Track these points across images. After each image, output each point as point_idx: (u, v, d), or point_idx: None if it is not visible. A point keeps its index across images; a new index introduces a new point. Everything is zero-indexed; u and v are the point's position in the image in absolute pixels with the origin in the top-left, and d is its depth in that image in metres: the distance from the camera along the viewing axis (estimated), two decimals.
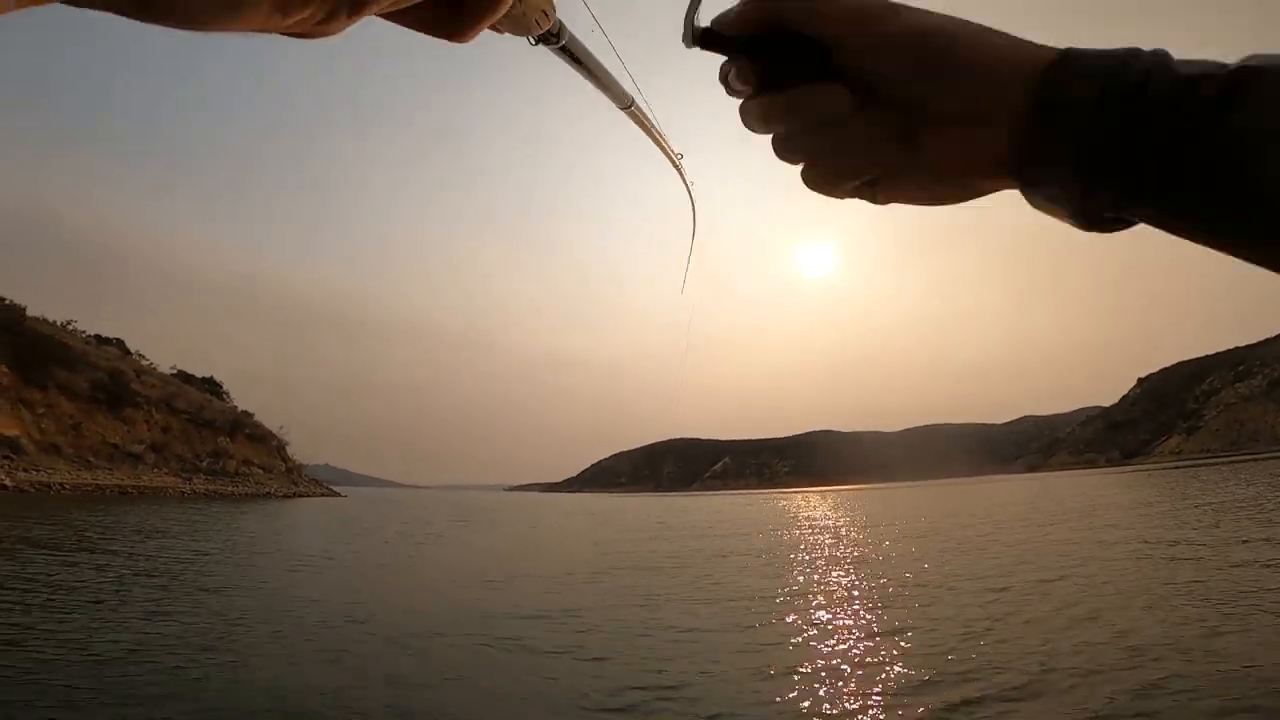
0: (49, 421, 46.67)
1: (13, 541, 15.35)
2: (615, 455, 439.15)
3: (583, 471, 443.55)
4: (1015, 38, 0.38)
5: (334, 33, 0.28)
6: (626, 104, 0.60)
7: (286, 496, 60.55)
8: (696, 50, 0.41)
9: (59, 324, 57.71)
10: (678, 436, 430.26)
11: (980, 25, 0.39)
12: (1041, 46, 0.38)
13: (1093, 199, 0.36)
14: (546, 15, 0.39)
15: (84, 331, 62.28)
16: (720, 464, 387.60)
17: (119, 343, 65.92)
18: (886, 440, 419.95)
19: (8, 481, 37.73)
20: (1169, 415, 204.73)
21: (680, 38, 0.40)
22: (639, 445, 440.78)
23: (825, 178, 0.42)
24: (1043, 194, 0.37)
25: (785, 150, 0.42)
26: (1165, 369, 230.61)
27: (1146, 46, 0.36)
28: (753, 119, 0.41)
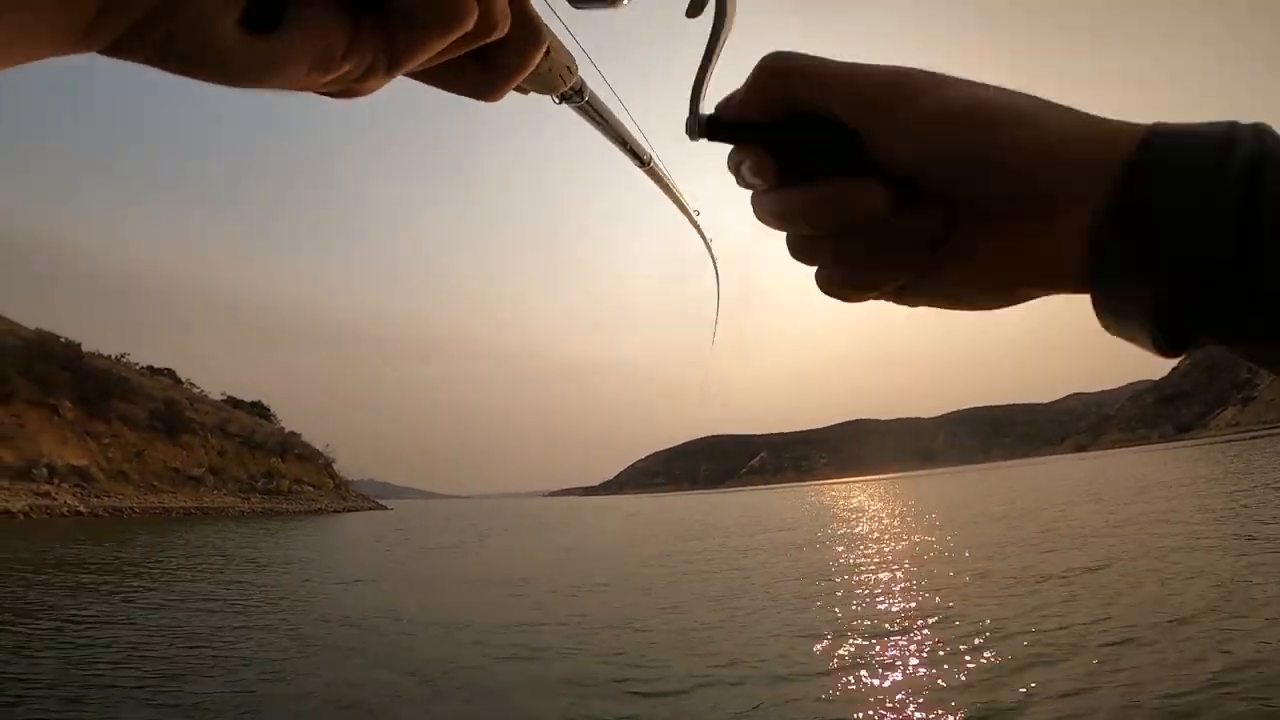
0: (114, 450, 49.09)
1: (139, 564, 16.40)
2: (650, 456, 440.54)
3: (620, 473, 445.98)
4: (1087, 115, 0.30)
5: (369, 92, 0.28)
6: (645, 161, 0.60)
7: (337, 511, 62.48)
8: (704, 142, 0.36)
9: (114, 358, 60.55)
10: (712, 434, 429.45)
11: (1044, 100, 0.31)
12: (1121, 125, 0.30)
13: (1180, 321, 0.28)
14: (570, 71, 0.39)
15: (137, 363, 65.26)
16: (756, 459, 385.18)
17: (170, 372, 68.80)
18: (926, 426, 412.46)
19: (82, 508, 39.93)
20: (1222, 386, 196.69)
21: (685, 131, 0.36)
22: (674, 445, 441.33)
23: (848, 284, 0.35)
24: (1118, 311, 0.30)
25: (802, 251, 0.35)
26: None
27: (1240, 118, 0.28)
28: (768, 214, 0.35)
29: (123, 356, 62.47)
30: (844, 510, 33.17)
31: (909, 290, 0.36)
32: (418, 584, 14.03)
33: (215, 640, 8.01)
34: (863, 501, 41.54)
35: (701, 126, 0.35)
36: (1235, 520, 12.92)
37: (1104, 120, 0.30)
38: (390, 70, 0.27)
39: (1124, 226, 0.28)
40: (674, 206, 0.74)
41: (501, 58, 0.30)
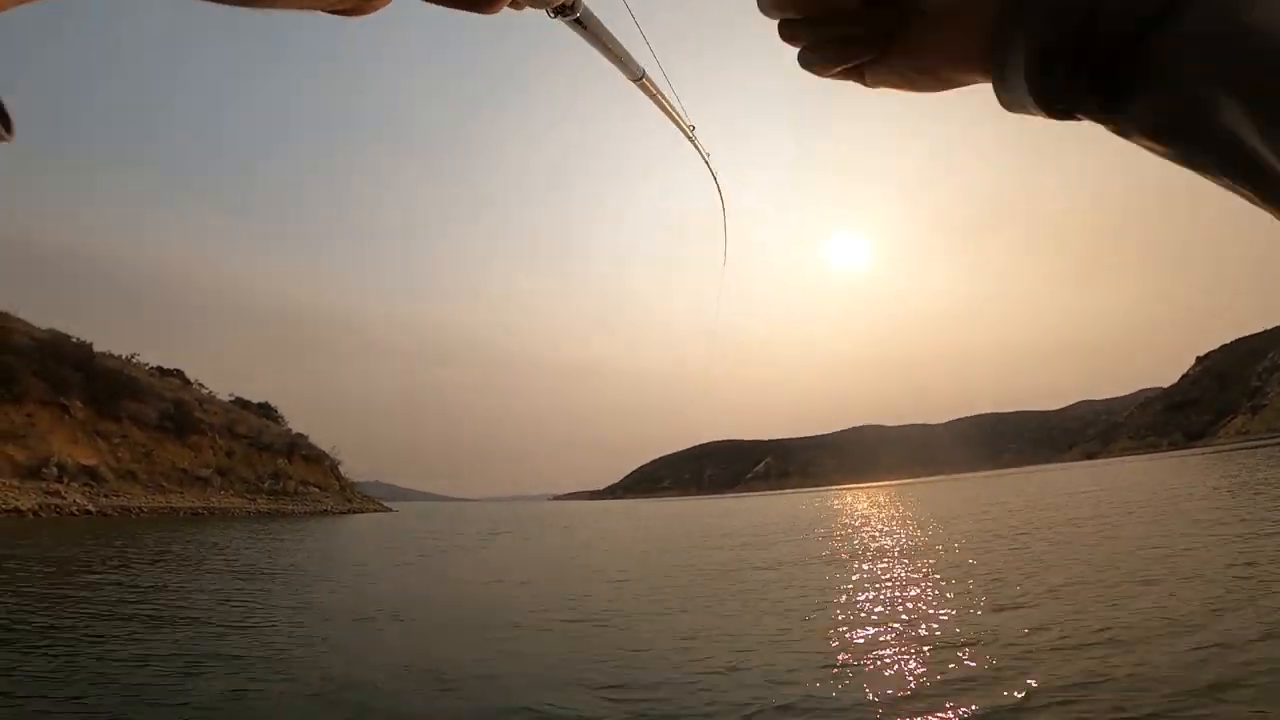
0: (124, 450, 49.53)
1: (154, 556, 16.62)
2: (656, 460, 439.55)
3: (625, 477, 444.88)
4: None
5: (375, 9, 0.30)
6: (638, 75, 0.61)
7: (342, 513, 62.76)
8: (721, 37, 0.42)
9: (124, 358, 61.12)
10: (718, 439, 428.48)
11: None
12: None
13: (1042, 91, 0.38)
14: None
15: (147, 364, 65.83)
16: (762, 464, 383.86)
17: (179, 373, 69.37)
18: (934, 433, 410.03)
19: (91, 507, 40.30)
20: (1232, 394, 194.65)
21: None
22: (680, 449, 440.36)
23: (821, 61, 0.45)
24: (1007, 87, 0.40)
25: (788, 33, 0.45)
26: (1225, 346, 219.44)
27: None
28: (769, 5, 0.44)
29: (133, 357, 63.02)
30: (857, 515, 33.13)
31: (868, 69, 0.46)
32: (435, 581, 14.17)
33: (233, 637, 8.18)
34: (871, 506, 41.44)
35: None
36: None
37: None
38: None
39: (1011, 15, 0.38)
40: (673, 137, 0.74)
41: None
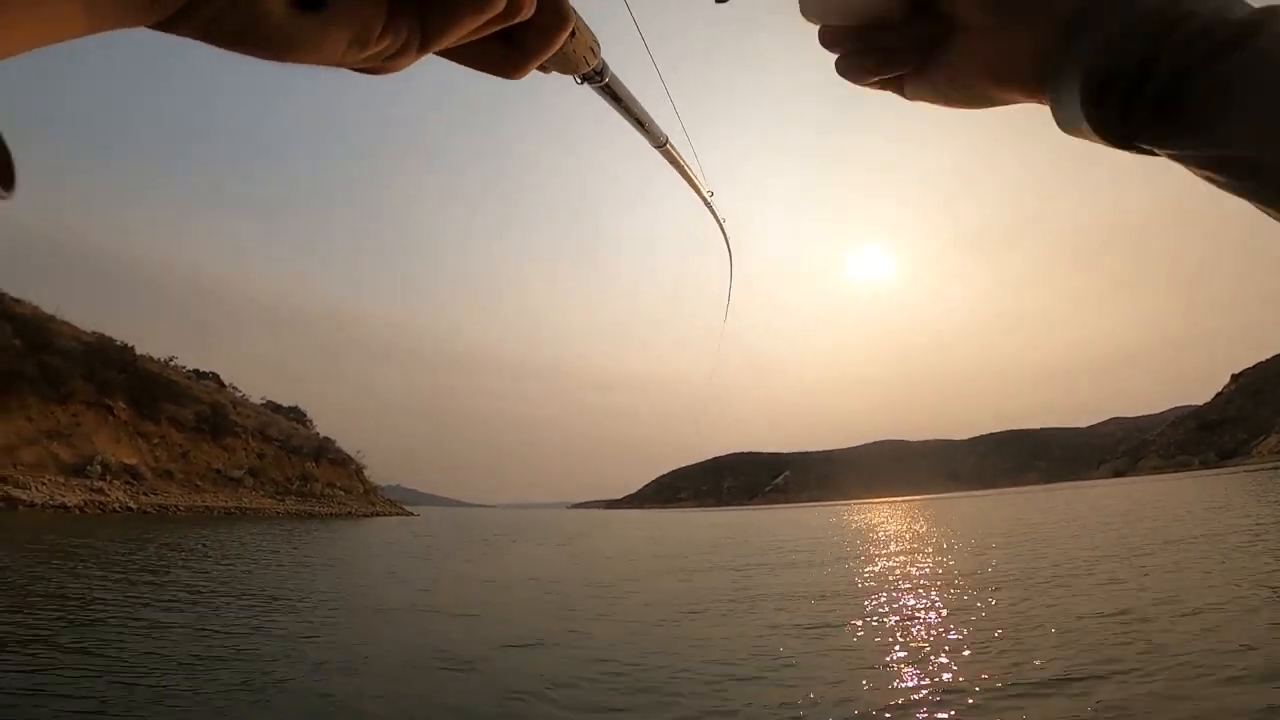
0: (162, 450, 51.49)
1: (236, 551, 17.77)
2: (675, 471, 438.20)
3: (643, 488, 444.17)
4: None
5: (400, 69, 0.30)
6: (661, 142, 0.63)
7: (365, 515, 64.17)
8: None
9: (164, 361, 63.48)
10: (737, 451, 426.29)
11: None
12: None
13: (1101, 120, 0.37)
14: (594, 53, 0.41)
15: (184, 366, 68.21)
16: (781, 477, 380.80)
17: (215, 376, 71.73)
18: (957, 448, 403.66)
19: (132, 504, 42.06)
20: (1267, 412, 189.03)
21: None
22: (698, 460, 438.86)
23: (860, 68, 0.44)
24: (1063, 110, 0.39)
25: (831, 40, 0.44)
26: (1261, 363, 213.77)
27: None
28: (812, 11, 0.44)
29: (171, 360, 65.43)
30: (883, 530, 33.33)
31: (908, 81, 0.45)
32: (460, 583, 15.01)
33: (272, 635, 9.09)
34: (892, 520, 41.52)
35: None
36: None
37: None
38: (422, 49, 0.29)
39: (1073, 35, 0.37)
40: (690, 191, 0.75)
41: (528, 38, 0.32)
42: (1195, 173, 0.36)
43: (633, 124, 0.55)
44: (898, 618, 8.70)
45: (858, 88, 0.46)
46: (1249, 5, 0.35)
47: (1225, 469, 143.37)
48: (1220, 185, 0.36)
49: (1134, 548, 14.51)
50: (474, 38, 0.30)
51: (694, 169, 0.71)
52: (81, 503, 38.99)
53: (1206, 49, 0.33)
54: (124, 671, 6.19)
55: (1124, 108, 0.36)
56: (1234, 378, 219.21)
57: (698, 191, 0.76)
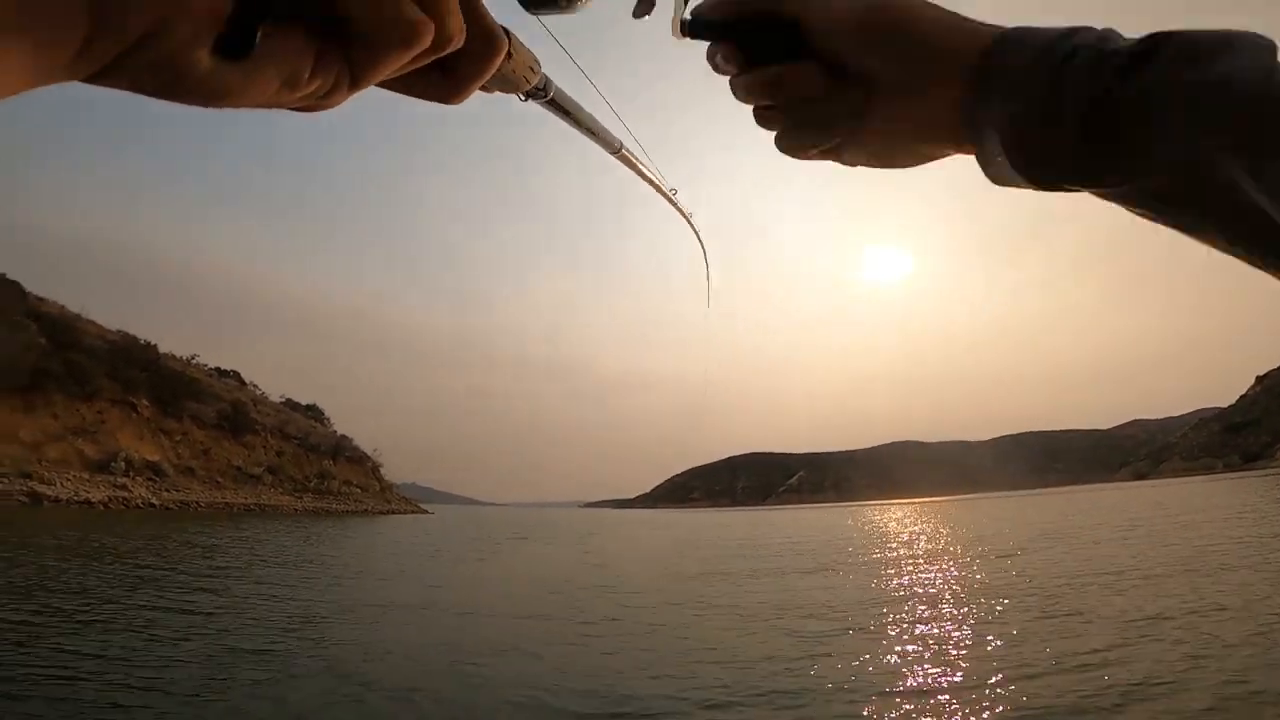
0: (184, 448, 52.35)
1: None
2: (688, 471, 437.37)
3: (656, 487, 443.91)
4: (965, 18, 0.42)
5: (334, 105, 0.31)
6: (616, 148, 0.63)
7: (381, 513, 64.73)
8: (687, 43, 0.45)
9: (185, 359, 64.50)
10: (750, 451, 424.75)
11: (934, 4, 0.43)
12: (990, 26, 0.41)
13: (1027, 160, 0.38)
14: (534, 71, 0.41)
15: (206, 365, 69.26)
16: (795, 477, 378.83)
17: (236, 375, 72.76)
18: (975, 450, 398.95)
19: (154, 500, 42.79)
20: None
21: (670, 31, 0.44)
22: (711, 460, 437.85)
23: (795, 144, 0.46)
24: (988, 163, 0.41)
25: (763, 120, 0.47)
26: None
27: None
28: (739, 93, 0.46)
29: (193, 358, 66.48)
30: (903, 532, 33.07)
31: (843, 149, 0.47)
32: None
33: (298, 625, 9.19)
34: (908, 523, 41.15)
35: (684, 28, 0.45)
36: None
37: (982, 22, 0.41)
38: (354, 86, 0.30)
39: (980, 89, 0.39)
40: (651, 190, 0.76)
41: (460, 66, 0.33)
42: (1133, 210, 0.37)
43: (585, 134, 0.56)
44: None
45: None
46: (1124, 37, 0.37)
47: (1250, 472, 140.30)
48: (1161, 221, 0.37)
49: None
50: (407, 70, 0.30)
51: (652, 170, 0.72)
52: (106, 499, 39.74)
53: (1106, 83, 0.35)
54: (149, 665, 6.29)
55: (1044, 152, 0.37)
56: (1259, 379, 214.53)
57: (660, 191, 0.77)
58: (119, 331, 56.55)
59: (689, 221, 0.89)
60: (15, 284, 48.48)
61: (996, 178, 0.41)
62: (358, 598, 11.18)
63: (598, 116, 0.57)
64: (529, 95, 0.44)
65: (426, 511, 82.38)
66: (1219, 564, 11.79)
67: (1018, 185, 0.40)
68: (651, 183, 0.73)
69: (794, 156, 0.47)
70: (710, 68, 0.46)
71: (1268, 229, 0.33)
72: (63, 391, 45.18)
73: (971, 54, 0.40)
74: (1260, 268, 0.34)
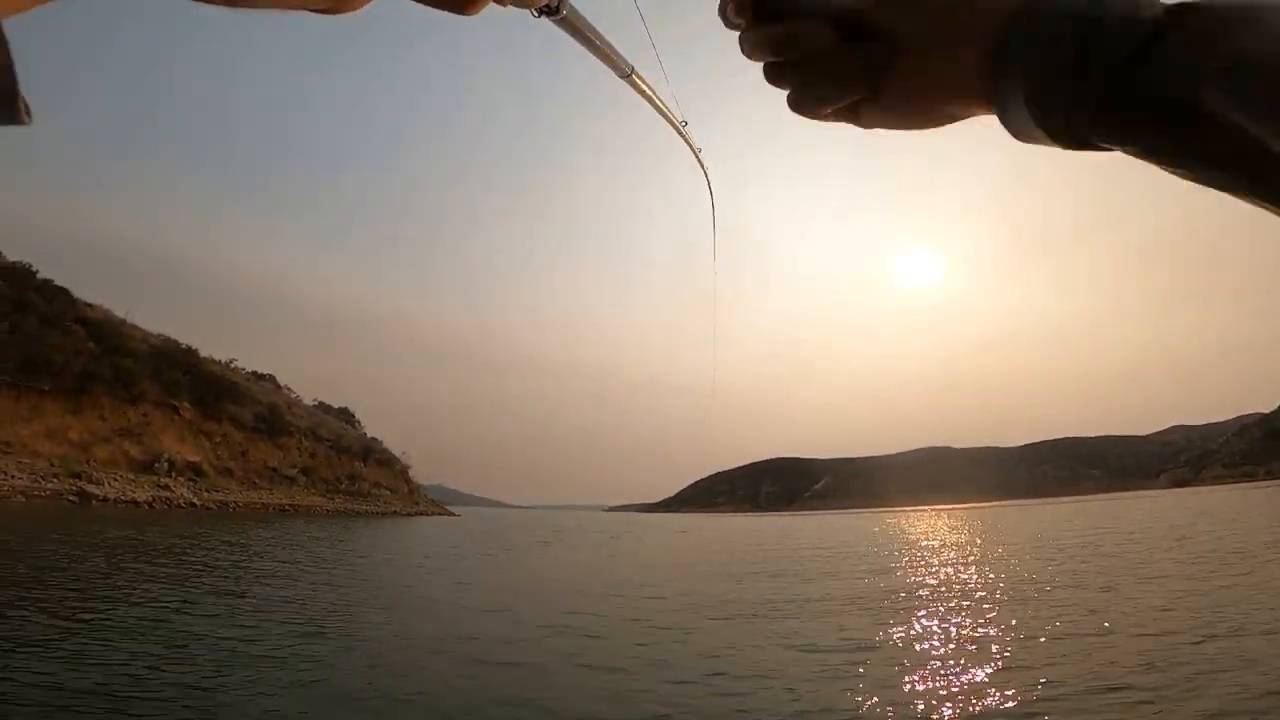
0: (223, 449, 54.03)
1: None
2: (713, 475, 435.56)
3: (680, 491, 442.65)
4: None
5: (354, 7, 0.31)
6: (627, 72, 0.62)
7: (409, 515, 65.87)
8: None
9: (224, 362, 66.50)
10: (776, 456, 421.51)
11: None
12: None
13: (1051, 123, 0.38)
14: None
15: (243, 368, 71.28)
16: (822, 483, 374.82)
17: (271, 378, 74.76)
18: (1007, 456, 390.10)
19: (196, 500, 44.28)
20: None
21: None
22: (737, 465, 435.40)
23: (808, 102, 0.45)
24: (1012, 121, 0.40)
25: (774, 76, 0.45)
26: None
27: None
28: (748, 48, 0.44)
29: (231, 362, 68.49)
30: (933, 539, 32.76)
31: (860, 110, 0.45)
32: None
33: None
34: (940, 529, 40.62)
35: None
36: None
37: None
38: None
39: (1010, 46, 0.38)
40: (663, 122, 0.74)
41: None
42: (1155, 164, 0.37)
43: (597, 55, 0.55)
44: None
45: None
46: (1156, 3, 0.36)
47: None
48: (1183, 174, 0.37)
49: None
50: None
51: (665, 99, 0.70)
52: (150, 498, 41.23)
53: (1133, 43, 0.35)
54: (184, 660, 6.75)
55: (1069, 110, 0.37)
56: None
57: (670, 121, 0.75)
58: (160, 335, 58.62)
59: (697, 156, 0.88)
60: (64, 290, 50.70)
61: (1020, 135, 0.40)
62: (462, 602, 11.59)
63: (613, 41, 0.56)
64: (542, 12, 0.44)
65: (453, 514, 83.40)
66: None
67: (1042, 143, 0.40)
68: (661, 111, 0.71)
69: (806, 116, 0.46)
70: (723, 23, 0.45)
71: None
72: (110, 394, 47.02)
73: (1001, 12, 0.39)
74: None
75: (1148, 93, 0.35)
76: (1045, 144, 0.40)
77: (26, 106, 0.24)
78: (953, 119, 0.44)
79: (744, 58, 0.44)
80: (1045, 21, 0.37)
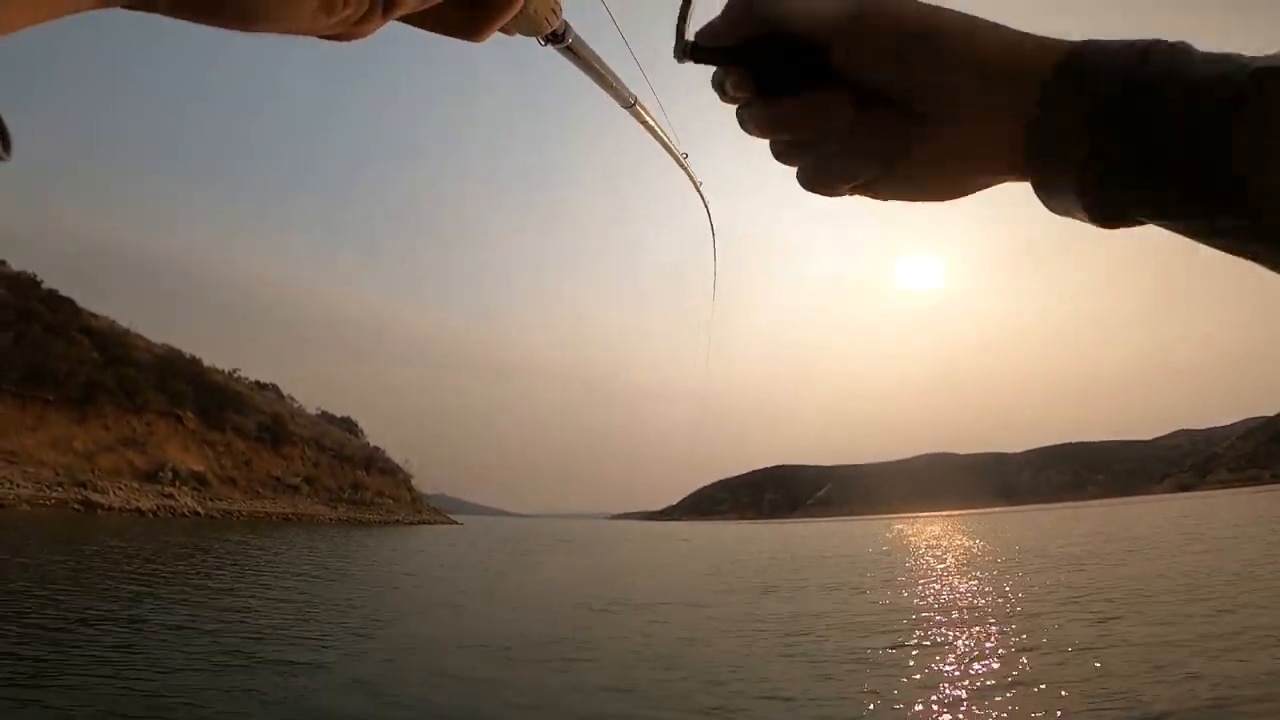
0: (226, 458, 54.13)
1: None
2: (716, 483, 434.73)
3: (683, 499, 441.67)
4: (1025, 33, 0.37)
5: (367, 34, 0.31)
6: (630, 103, 0.61)
7: (411, 524, 65.67)
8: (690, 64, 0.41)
9: (228, 372, 66.70)
10: (778, 464, 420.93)
11: (988, 21, 0.37)
12: (1056, 41, 0.36)
13: (1100, 199, 0.35)
14: (555, 14, 0.41)
15: (246, 378, 71.47)
16: (824, 490, 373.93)
17: (275, 388, 74.90)
18: (1010, 462, 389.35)
19: (199, 509, 44.31)
20: None
21: (671, 53, 0.40)
22: (739, 473, 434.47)
23: (824, 180, 0.41)
24: (1051, 193, 0.37)
25: (785, 154, 0.42)
26: None
27: (1171, 36, 0.34)
28: (752, 125, 0.41)
29: (234, 372, 68.68)
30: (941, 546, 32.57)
31: (877, 184, 0.41)
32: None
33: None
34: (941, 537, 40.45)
35: (686, 50, 0.40)
36: None
37: (1045, 37, 0.36)
38: (387, 13, 0.30)
39: (1055, 117, 0.35)
40: (662, 151, 0.74)
41: (488, 1, 0.33)
42: (1207, 242, 0.35)
43: (600, 85, 0.55)
44: None
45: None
46: (1198, 53, 0.34)
47: None
48: (1220, 248, 0.35)
49: None
50: (436, 1, 0.31)
51: (666, 130, 0.70)
52: (154, 507, 41.27)
53: (1205, 118, 0.32)
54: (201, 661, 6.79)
55: (1121, 188, 0.34)
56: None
57: (671, 153, 0.74)
58: (164, 345, 58.86)
59: (697, 189, 0.88)
60: (69, 300, 50.98)
61: (1054, 208, 0.38)
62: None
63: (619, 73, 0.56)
64: (548, 40, 0.44)
65: (456, 523, 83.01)
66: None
67: (1077, 218, 0.37)
68: (663, 143, 0.71)
69: (822, 193, 0.42)
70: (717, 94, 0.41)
71: None
72: (114, 404, 47.18)
73: (1046, 74, 0.35)
74: None
75: (1211, 173, 0.32)
76: (1081, 219, 0.37)
77: (8, 142, 0.24)
78: (977, 189, 0.42)
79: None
80: (1097, 79, 0.34)
